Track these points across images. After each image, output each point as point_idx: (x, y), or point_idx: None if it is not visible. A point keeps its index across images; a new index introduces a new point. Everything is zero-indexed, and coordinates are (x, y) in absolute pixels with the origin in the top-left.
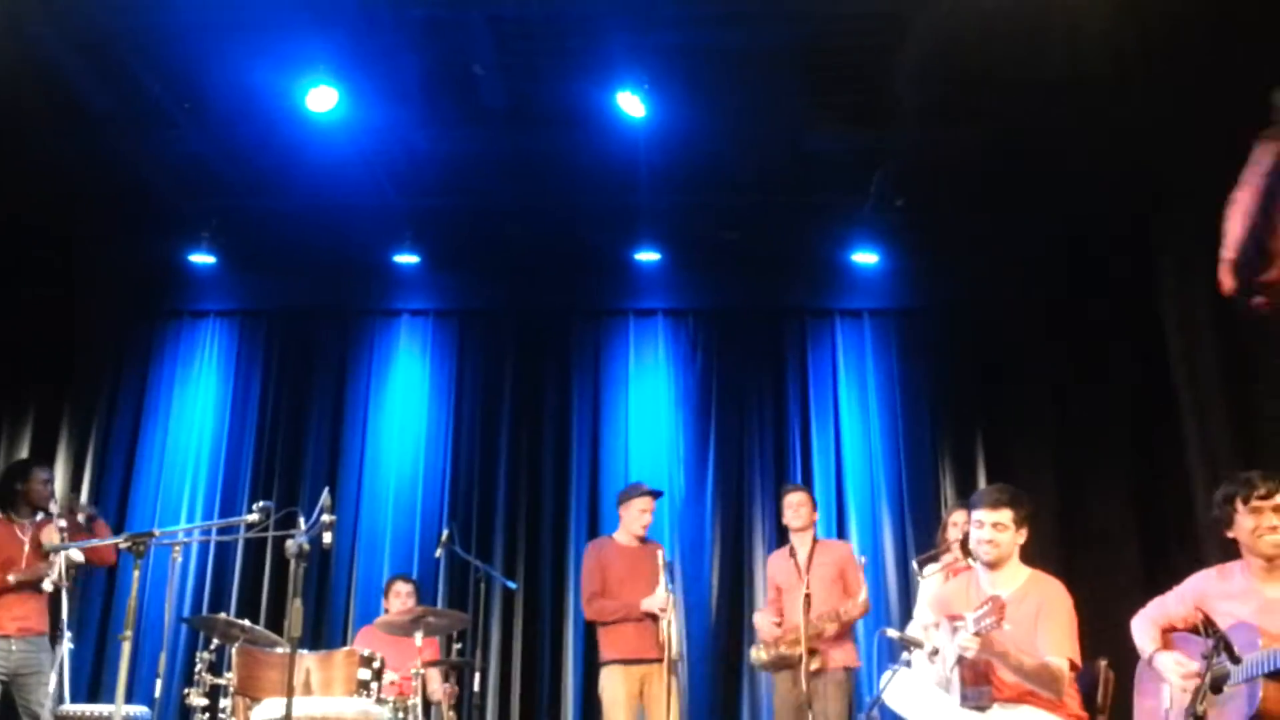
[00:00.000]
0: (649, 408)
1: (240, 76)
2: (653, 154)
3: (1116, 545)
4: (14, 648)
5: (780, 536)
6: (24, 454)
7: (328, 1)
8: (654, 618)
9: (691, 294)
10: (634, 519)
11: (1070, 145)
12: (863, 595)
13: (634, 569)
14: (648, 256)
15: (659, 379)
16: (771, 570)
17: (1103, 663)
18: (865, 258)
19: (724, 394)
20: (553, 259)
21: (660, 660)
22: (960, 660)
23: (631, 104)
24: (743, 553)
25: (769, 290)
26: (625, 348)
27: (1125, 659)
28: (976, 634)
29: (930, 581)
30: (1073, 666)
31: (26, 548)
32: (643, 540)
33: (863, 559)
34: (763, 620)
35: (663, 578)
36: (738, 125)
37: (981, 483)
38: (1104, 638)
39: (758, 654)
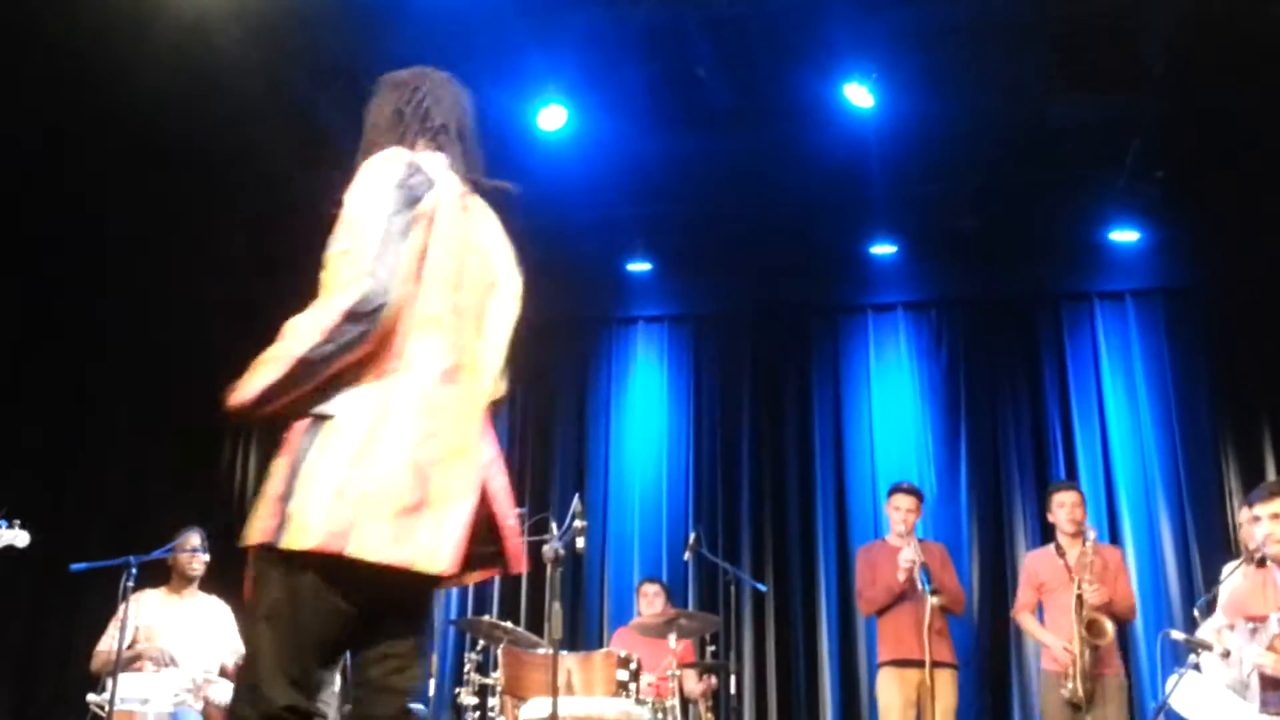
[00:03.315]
0: (893, 405)
1: (475, 103)
2: (885, 144)
3: None
4: None
5: (1044, 535)
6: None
7: (553, 22)
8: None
9: (932, 285)
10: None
11: None
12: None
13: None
14: (884, 250)
15: (902, 375)
16: (1033, 568)
17: None
18: (1124, 235)
19: (974, 388)
20: (785, 258)
21: (936, 663)
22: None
23: (859, 95)
24: (1004, 552)
25: (1017, 276)
26: (865, 344)
27: None
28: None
29: (1226, 585)
30: None
31: None
32: None
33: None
34: (1051, 640)
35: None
36: (975, 104)
37: (1270, 473)
38: None
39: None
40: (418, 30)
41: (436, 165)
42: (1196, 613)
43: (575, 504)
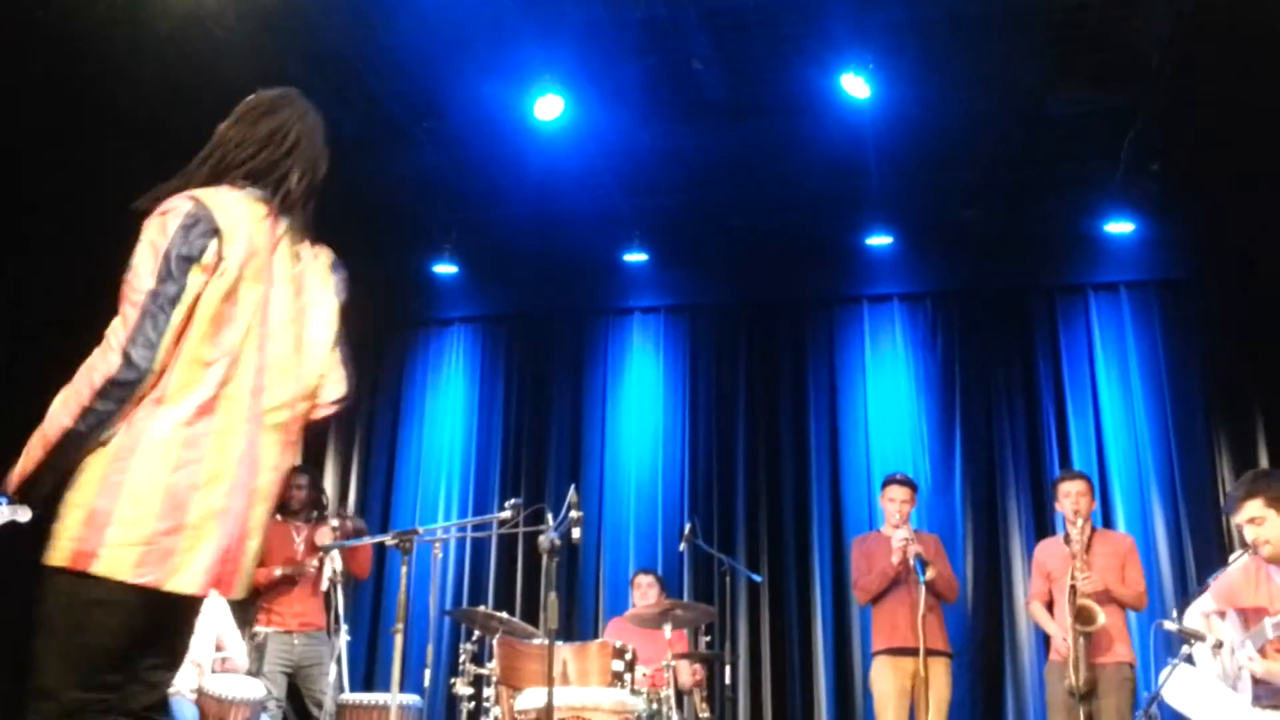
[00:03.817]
0: (889, 396)
1: (472, 93)
2: (880, 135)
3: None
4: (296, 642)
5: (1038, 526)
6: (297, 461)
7: (551, 12)
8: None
9: (928, 276)
10: None
11: None
12: (1140, 588)
13: None
14: (880, 241)
15: (898, 366)
16: (1042, 558)
17: None
18: (1119, 227)
19: (969, 378)
20: (782, 249)
21: (931, 652)
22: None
23: (856, 86)
24: (997, 543)
25: (1013, 268)
26: (860, 335)
27: None
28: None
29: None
30: None
31: (301, 547)
32: None
33: None
34: (1055, 631)
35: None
36: (971, 97)
37: (1263, 462)
38: None
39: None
40: (414, 19)
41: (244, 204)
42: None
43: (571, 494)
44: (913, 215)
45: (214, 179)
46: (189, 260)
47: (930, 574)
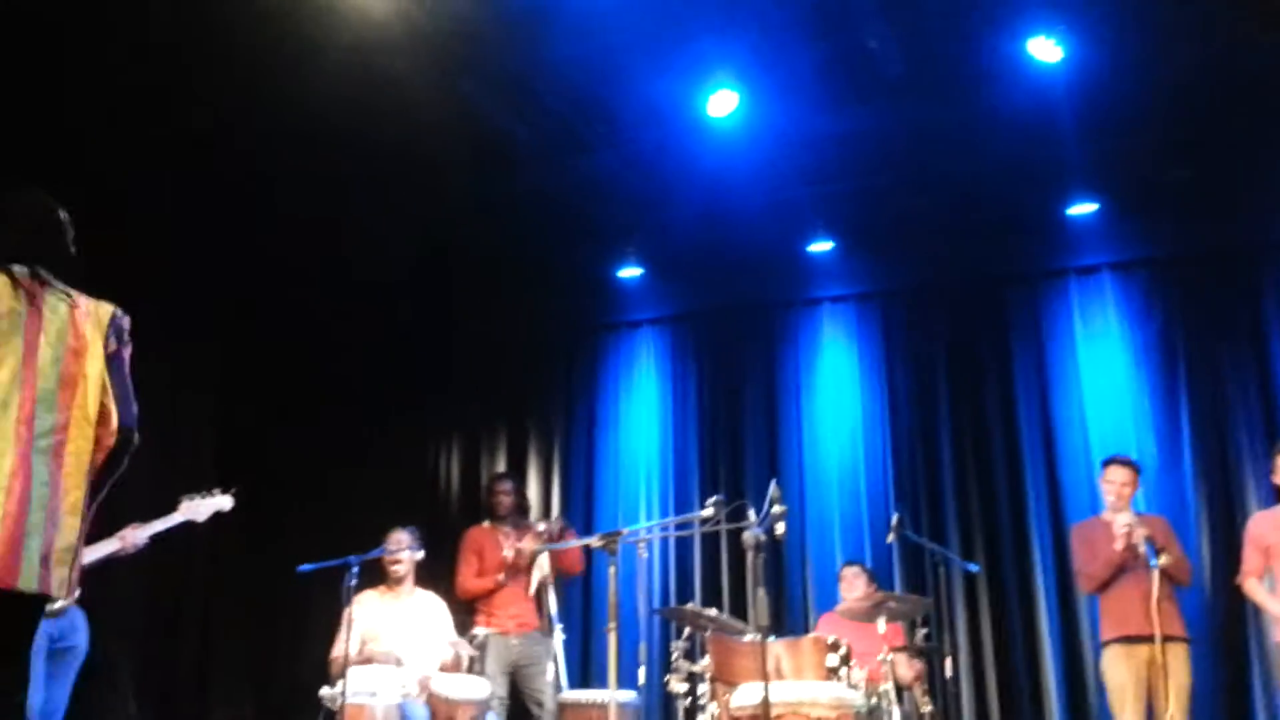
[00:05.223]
0: (1103, 372)
1: (645, 95)
2: (1074, 99)
3: None
4: (514, 642)
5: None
6: (501, 468)
7: (719, 7)
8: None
9: (1139, 244)
10: None
11: None
12: None
13: None
14: (1084, 209)
15: (1112, 340)
16: (1258, 531)
17: None
18: None
19: (1192, 349)
20: (974, 227)
21: (1167, 638)
22: None
23: (1045, 49)
24: (1233, 520)
25: (1233, 228)
26: (1068, 310)
27: None
28: None
29: None
30: None
31: (510, 552)
32: None
33: None
34: (1276, 609)
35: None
36: (1170, 50)
37: None
38: None
39: None
40: (586, 24)
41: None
42: None
43: (773, 489)
44: (1118, 180)
45: None
46: None
47: (1163, 559)
